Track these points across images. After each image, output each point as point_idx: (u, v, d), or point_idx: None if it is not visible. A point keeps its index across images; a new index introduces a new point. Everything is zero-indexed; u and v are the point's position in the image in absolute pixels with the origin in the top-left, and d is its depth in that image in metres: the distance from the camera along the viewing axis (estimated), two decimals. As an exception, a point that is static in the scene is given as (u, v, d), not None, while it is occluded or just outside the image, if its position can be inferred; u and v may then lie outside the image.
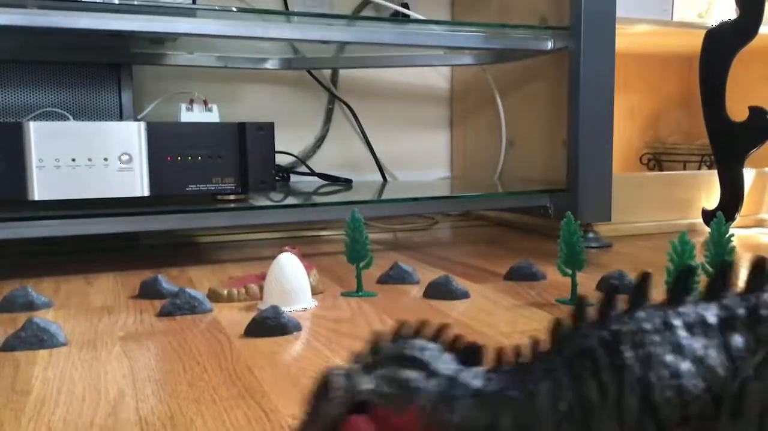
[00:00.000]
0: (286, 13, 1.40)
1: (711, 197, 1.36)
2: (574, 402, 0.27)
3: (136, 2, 1.01)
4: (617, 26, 1.19)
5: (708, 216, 1.25)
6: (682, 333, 0.27)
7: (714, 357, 0.26)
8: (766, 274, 0.28)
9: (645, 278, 0.29)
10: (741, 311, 0.27)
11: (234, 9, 1.09)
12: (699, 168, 1.65)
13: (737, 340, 0.26)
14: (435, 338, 0.32)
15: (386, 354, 0.31)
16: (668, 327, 0.27)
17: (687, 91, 1.76)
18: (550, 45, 1.21)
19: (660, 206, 1.38)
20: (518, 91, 1.41)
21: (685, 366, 0.26)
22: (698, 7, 1.53)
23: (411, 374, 0.30)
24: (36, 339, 0.66)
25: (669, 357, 0.26)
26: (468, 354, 0.32)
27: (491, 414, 0.29)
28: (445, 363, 0.31)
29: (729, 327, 0.27)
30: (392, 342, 0.32)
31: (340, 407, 0.31)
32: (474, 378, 0.30)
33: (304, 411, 0.33)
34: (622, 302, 0.30)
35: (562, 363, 0.29)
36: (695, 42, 1.28)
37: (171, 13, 1.03)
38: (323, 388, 0.32)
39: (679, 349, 0.26)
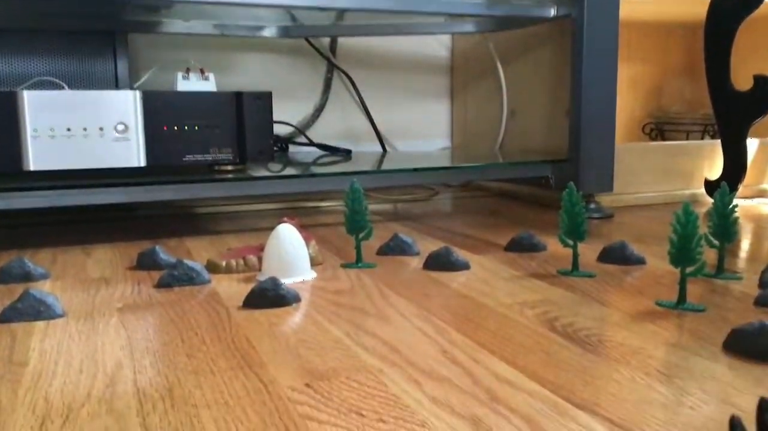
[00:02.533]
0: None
1: (714, 167, 1.35)
2: None
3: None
4: (622, -7, 1.16)
5: (711, 186, 1.24)
6: None
7: None
8: None
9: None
10: None
11: (230, -26, 1.07)
12: (702, 138, 1.64)
13: None
14: None
15: None
16: None
17: (690, 60, 1.73)
18: (553, 12, 1.19)
19: (662, 176, 1.37)
20: (520, 60, 1.39)
21: None
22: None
23: None
24: (33, 310, 0.65)
25: None
26: None
27: None
28: None
29: None
30: None
31: None
32: None
33: None
34: None
35: None
36: (700, 10, 1.25)
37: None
38: None
39: None
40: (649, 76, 1.77)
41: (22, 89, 0.95)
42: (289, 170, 1.20)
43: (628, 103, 1.71)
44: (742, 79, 1.22)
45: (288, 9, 1.36)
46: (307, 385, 0.50)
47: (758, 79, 1.21)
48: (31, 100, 0.94)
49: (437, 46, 1.61)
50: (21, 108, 0.93)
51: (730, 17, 1.22)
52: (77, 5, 1.14)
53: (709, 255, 0.76)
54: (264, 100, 1.07)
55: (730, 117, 1.25)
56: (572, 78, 1.18)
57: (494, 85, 1.45)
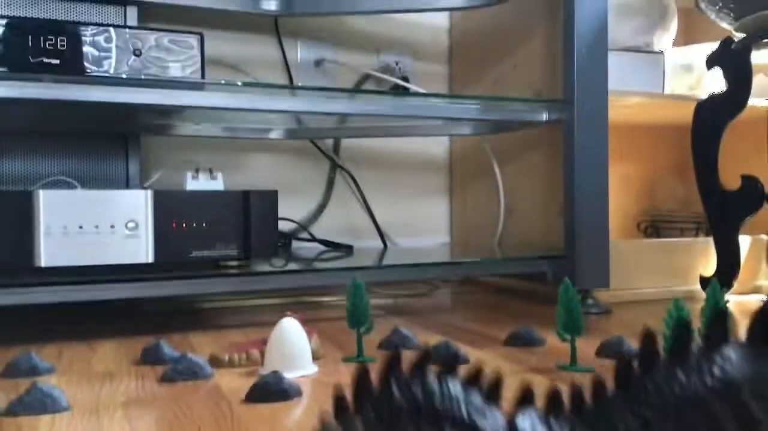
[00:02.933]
0: (291, 87, 1.45)
1: (709, 263, 1.38)
2: None
3: (143, 77, 1.05)
4: (610, 99, 1.23)
5: (705, 283, 1.27)
6: None
7: None
8: None
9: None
10: None
11: (240, 83, 1.14)
12: (696, 235, 1.68)
13: None
14: (449, 372, 0.24)
15: (402, 404, 0.23)
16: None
17: (681, 159, 1.79)
18: (545, 117, 1.25)
19: (659, 273, 1.39)
20: (516, 161, 1.45)
21: None
22: (689, 80, 1.58)
23: None
24: (39, 403, 0.66)
25: None
26: (491, 390, 0.25)
27: None
28: (493, 418, 0.23)
29: None
30: (399, 384, 0.24)
31: None
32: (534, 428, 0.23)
33: None
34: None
35: (646, 412, 0.22)
36: (688, 113, 1.32)
37: (179, 87, 1.08)
38: None
39: None
40: (642, 175, 1.83)
41: (38, 188, 1.00)
42: (292, 266, 1.23)
43: (622, 202, 1.76)
44: (731, 180, 1.27)
45: (294, 114, 1.44)
46: (309, 478, 0.50)
47: (746, 179, 1.25)
48: (46, 199, 0.98)
49: (436, 147, 1.67)
50: (36, 206, 0.97)
51: (717, 120, 1.28)
52: (92, 110, 1.21)
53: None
54: (269, 198, 1.12)
55: (721, 215, 1.28)
56: (564, 179, 1.23)
57: (491, 184, 1.50)
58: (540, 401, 0.25)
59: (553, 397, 0.25)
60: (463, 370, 0.24)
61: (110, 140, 1.32)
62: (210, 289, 1.07)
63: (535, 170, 1.39)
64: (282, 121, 1.48)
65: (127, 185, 1.31)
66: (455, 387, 0.24)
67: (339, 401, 0.24)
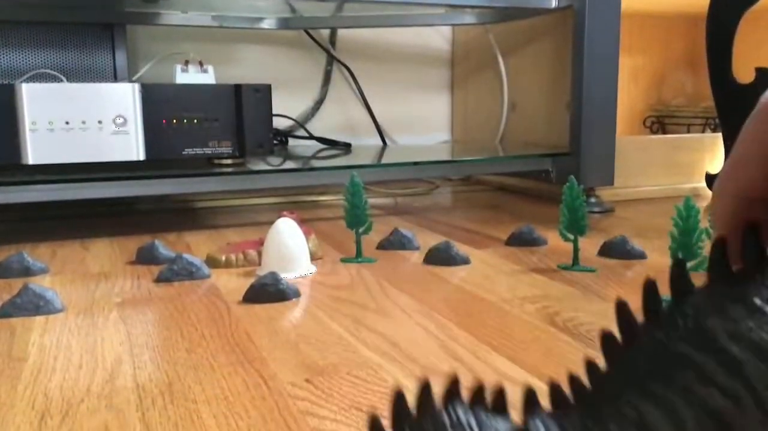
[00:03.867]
0: (283, -30, 1.36)
1: (715, 160, 1.35)
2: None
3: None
4: (623, -16, 1.16)
5: (712, 180, 1.24)
6: None
7: None
8: None
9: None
10: None
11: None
12: (703, 132, 1.63)
13: None
14: (473, 400, 0.24)
15: None
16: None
17: (692, 52, 1.72)
18: (554, 3, 1.18)
19: (663, 170, 1.37)
20: (521, 53, 1.39)
21: None
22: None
23: None
24: (32, 305, 0.65)
25: None
26: (496, 402, 0.24)
27: None
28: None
29: None
30: (419, 418, 0.23)
31: None
32: None
33: None
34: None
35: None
36: (702, 2, 1.24)
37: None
38: None
39: None
40: (651, 68, 1.76)
41: (21, 82, 0.95)
42: (289, 164, 1.20)
43: (629, 96, 1.70)
44: (744, 72, 1.22)
45: None
46: (307, 381, 0.50)
47: (760, 71, 1.20)
48: (29, 93, 0.93)
49: (438, 38, 1.60)
50: (19, 101, 0.93)
51: (732, 9, 1.21)
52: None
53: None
54: (263, 92, 1.07)
55: (732, 110, 1.24)
56: (573, 70, 1.18)
57: (495, 78, 1.44)
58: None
59: (556, 393, 0.24)
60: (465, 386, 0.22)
61: (96, 30, 1.25)
62: (204, 188, 1.04)
63: (541, 63, 1.33)
64: (274, 8, 1.40)
65: (114, 79, 1.26)
66: (463, 411, 0.23)
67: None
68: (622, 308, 0.24)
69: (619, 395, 0.22)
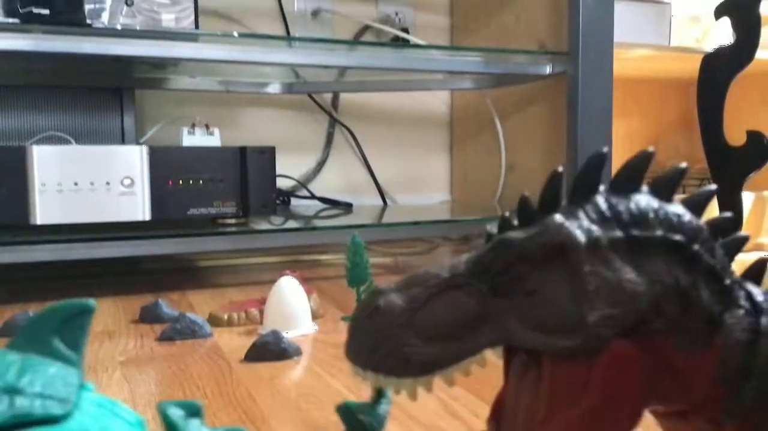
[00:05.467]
0: (288, 38, 1.41)
1: (708, 217, 1.36)
2: None
3: (138, 27, 1.02)
4: (615, 51, 1.20)
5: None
6: None
7: None
8: None
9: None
10: None
11: (235, 34, 1.11)
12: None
13: None
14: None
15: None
16: None
17: (686, 115, 1.77)
18: (548, 70, 1.22)
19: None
20: (518, 116, 1.42)
21: None
22: (696, 32, 1.54)
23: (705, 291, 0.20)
24: (36, 363, 0.65)
25: None
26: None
27: None
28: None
29: None
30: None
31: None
32: None
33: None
34: None
35: None
36: (693, 66, 1.28)
37: (173, 38, 1.05)
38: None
39: None
40: (645, 131, 1.80)
41: (31, 144, 0.98)
42: (291, 223, 1.22)
43: (625, 158, 1.74)
44: (735, 135, 1.25)
45: (291, 66, 1.40)
46: (309, 440, 0.50)
47: (751, 134, 1.23)
48: (39, 155, 0.96)
49: (437, 101, 1.64)
50: (30, 162, 0.95)
51: (723, 74, 1.25)
52: (85, 64, 1.18)
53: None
54: (267, 154, 1.10)
55: (725, 171, 1.26)
56: (568, 133, 1.21)
57: (493, 140, 1.48)
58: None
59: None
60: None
61: (105, 95, 1.29)
62: (208, 247, 1.06)
63: (537, 126, 1.36)
64: (279, 74, 1.45)
65: (122, 141, 1.29)
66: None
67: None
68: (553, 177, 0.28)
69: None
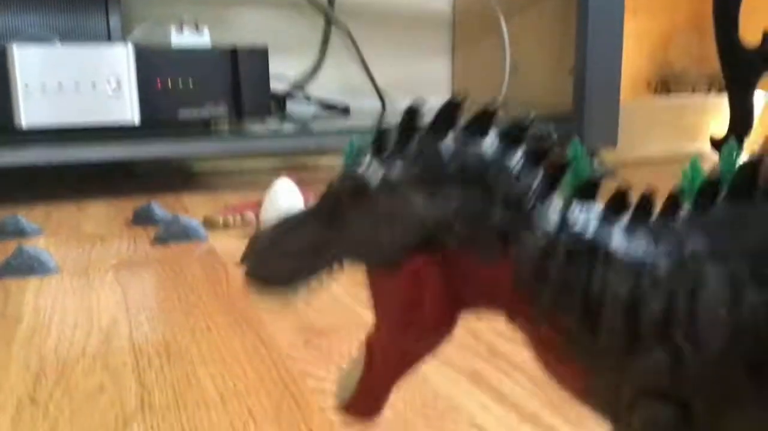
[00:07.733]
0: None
1: (719, 122, 1.33)
2: None
3: None
4: (629, -58, 1.13)
5: (717, 143, 1.22)
6: None
7: None
8: None
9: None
10: None
11: None
12: (708, 93, 1.61)
13: None
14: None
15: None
16: None
17: (698, 14, 1.69)
18: (558, -38, 1.15)
19: (667, 132, 1.35)
20: (524, 14, 1.36)
21: None
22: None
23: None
24: (26, 266, 0.64)
25: None
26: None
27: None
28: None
29: None
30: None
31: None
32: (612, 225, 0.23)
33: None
34: None
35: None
36: (711, -40, 1.21)
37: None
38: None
39: None
40: (656, 31, 1.73)
41: (12, 44, 0.93)
42: (287, 127, 1.18)
43: (634, 58, 1.68)
44: (750, 35, 1.20)
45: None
46: (306, 342, 0.49)
47: (767, 34, 1.18)
48: (21, 55, 0.91)
49: (439, 0, 1.57)
50: (11, 63, 0.91)
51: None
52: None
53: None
54: (260, 55, 1.05)
55: (738, 71, 1.22)
56: (577, 32, 1.15)
57: (496, 40, 1.42)
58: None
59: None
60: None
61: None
62: (200, 150, 1.03)
63: (544, 25, 1.30)
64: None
65: (108, 40, 1.23)
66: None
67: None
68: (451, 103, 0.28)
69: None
